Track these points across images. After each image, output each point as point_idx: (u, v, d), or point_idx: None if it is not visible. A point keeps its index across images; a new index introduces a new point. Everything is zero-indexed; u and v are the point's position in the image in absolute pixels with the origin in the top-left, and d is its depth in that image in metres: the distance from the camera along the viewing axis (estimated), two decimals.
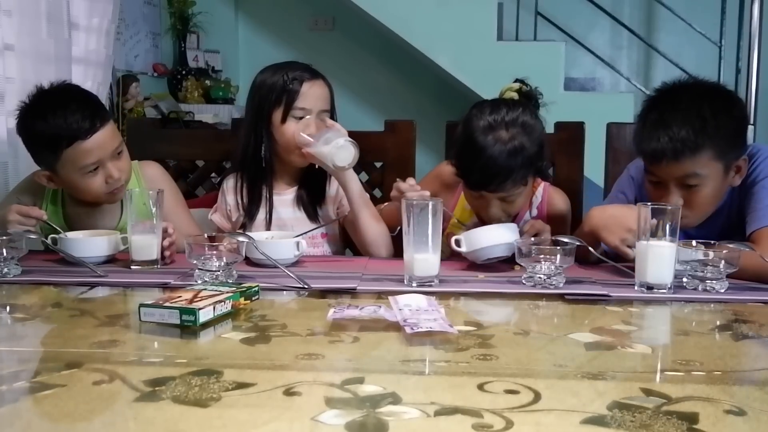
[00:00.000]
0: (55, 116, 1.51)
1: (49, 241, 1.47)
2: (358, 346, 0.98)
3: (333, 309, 1.08)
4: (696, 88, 1.49)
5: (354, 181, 1.69)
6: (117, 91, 3.84)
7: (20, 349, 1.01)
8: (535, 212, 1.70)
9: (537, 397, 0.77)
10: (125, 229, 1.50)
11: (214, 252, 1.33)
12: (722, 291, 1.26)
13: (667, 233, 1.25)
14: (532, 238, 1.44)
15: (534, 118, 1.54)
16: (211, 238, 1.39)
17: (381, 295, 1.24)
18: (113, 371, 0.85)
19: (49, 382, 0.82)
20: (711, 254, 1.29)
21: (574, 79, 4.51)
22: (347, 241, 1.82)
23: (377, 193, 2.02)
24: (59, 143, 1.52)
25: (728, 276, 1.28)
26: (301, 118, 1.70)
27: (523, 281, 1.32)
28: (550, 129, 1.74)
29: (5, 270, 1.36)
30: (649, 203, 1.29)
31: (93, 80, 2.36)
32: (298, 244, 1.49)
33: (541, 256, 1.30)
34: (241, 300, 1.14)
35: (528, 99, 1.61)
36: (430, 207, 1.29)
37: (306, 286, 1.29)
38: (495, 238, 1.43)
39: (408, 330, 0.99)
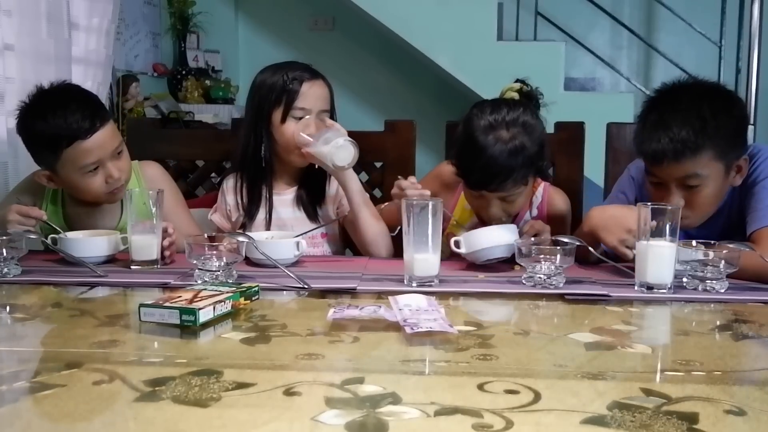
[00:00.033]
0: (55, 116, 1.51)
1: (49, 241, 1.47)
2: (358, 346, 0.98)
3: (333, 309, 1.08)
4: (695, 89, 1.49)
5: (354, 181, 1.69)
6: (117, 91, 3.84)
7: (20, 349, 1.01)
8: (535, 212, 1.70)
9: (537, 397, 0.77)
10: (125, 229, 1.50)
11: (214, 252, 1.33)
12: (722, 291, 1.26)
13: (667, 233, 1.25)
14: (532, 239, 1.44)
15: (535, 118, 1.55)
16: (211, 238, 1.39)
17: (381, 295, 1.24)
18: (113, 371, 0.85)
19: (49, 382, 0.82)
20: (711, 254, 1.29)
21: (574, 79, 4.51)
22: (347, 241, 1.82)
23: (377, 193, 2.02)
24: (59, 143, 1.52)
25: (728, 276, 1.28)
26: (300, 118, 1.70)
27: (523, 281, 1.32)
28: (550, 129, 1.74)
29: (5, 270, 1.36)
30: (649, 203, 1.29)
31: (93, 80, 2.36)
32: (298, 244, 1.49)
33: (541, 256, 1.30)
34: (241, 300, 1.14)
35: (529, 99, 1.61)
36: (430, 207, 1.29)
37: (306, 286, 1.29)
38: (494, 239, 1.43)
39: (408, 330, 0.99)
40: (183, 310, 1.02)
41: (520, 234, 1.48)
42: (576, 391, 0.80)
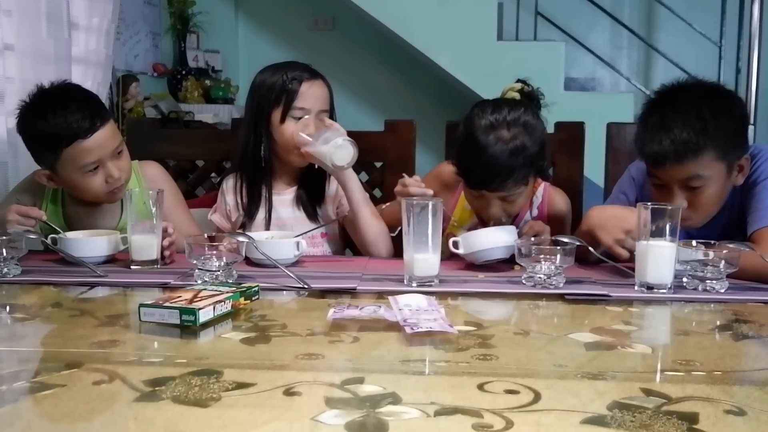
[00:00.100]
0: (55, 115, 1.51)
1: (48, 241, 1.47)
2: (358, 346, 0.98)
3: (333, 309, 1.08)
4: (695, 89, 1.49)
5: (353, 181, 1.69)
6: (117, 91, 3.84)
7: (20, 349, 1.01)
8: (535, 212, 1.70)
9: (537, 397, 0.77)
10: (125, 229, 1.50)
11: (214, 252, 1.33)
12: (722, 291, 1.26)
13: (667, 233, 1.25)
14: (532, 239, 1.44)
15: (535, 118, 1.55)
16: (211, 238, 1.39)
17: (381, 295, 1.24)
18: (113, 371, 0.85)
19: (49, 382, 0.82)
20: (711, 254, 1.29)
21: (574, 79, 4.51)
22: (347, 241, 1.82)
23: (377, 193, 2.02)
24: (59, 142, 1.52)
25: (728, 276, 1.28)
26: (300, 117, 1.70)
27: (523, 281, 1.32)
28: (550, 129, 1.74)
29: (5, 270, 1.36)
30: (649, 203, 1.29)
31: (93, 80, 2.36)
32: (298, 244, 1.49)
33: (541, 256, 1.30)
34: (241, 300, 1.14)
35: (530, 99, 1.61)
36: (430, 207, 1.29)
37: (306, 286, 1.29)
38: (493, 240, 1.44)
39: (408, 330, 0.99)
40: (183, 310, 1.02)
41: (520, 234, 1.48)
42: (576, 391, 0.80)
